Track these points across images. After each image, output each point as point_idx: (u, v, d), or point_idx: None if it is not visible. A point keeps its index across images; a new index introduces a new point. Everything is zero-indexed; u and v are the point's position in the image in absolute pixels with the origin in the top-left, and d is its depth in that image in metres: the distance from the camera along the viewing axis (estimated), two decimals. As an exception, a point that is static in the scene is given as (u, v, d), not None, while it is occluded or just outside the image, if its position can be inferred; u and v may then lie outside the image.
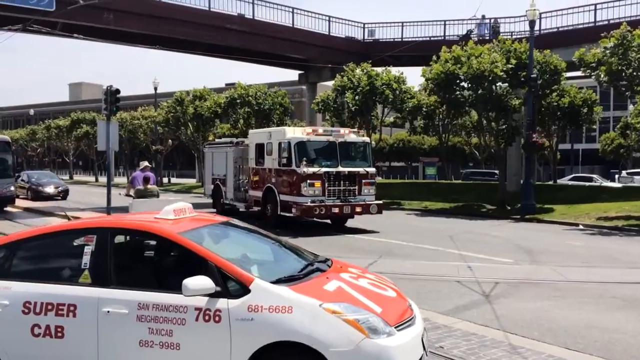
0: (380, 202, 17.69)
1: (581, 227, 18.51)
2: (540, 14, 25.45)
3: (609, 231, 17.47)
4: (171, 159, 59.30)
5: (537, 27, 25.10)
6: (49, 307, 4.53)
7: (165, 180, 48.08)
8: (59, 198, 29.48)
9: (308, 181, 16.05)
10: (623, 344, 6.45)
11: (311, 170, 16.12)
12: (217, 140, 27.83)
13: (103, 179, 48.99)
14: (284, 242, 5.75)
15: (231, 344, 4.19)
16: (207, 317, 4.26)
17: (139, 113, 49.24)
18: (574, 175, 39.63)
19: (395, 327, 4.29)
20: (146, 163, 15.31)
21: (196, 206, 21.27)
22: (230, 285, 4.33)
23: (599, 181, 36.08)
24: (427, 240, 14.92)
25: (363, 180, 16.94)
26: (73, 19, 24.16)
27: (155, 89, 42.93)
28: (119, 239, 5.01)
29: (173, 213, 5.12)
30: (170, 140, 46.63)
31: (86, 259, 4.71)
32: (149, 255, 5.19)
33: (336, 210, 16.30)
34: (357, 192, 16.76)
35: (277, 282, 4.44)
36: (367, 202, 16.81)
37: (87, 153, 60.29)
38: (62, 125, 58.13)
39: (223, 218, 5.98)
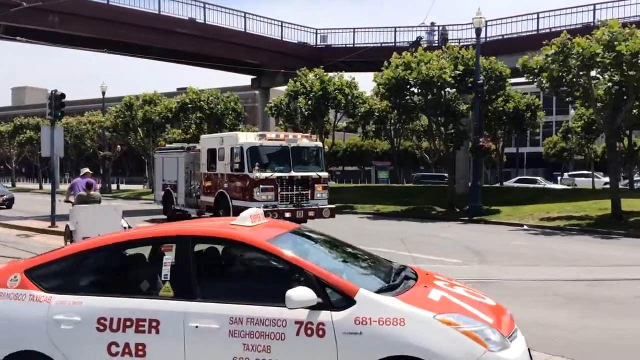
0: (334, 206, 17.83)
1: (526, 227, 19.20)
2: (487, 22, 26.29)
3: (552, 231, 18.18)
4: (120, 165, 57.92)
5: (483, 35, 25.94)
6: (128, 323, 4.13)
7: (114, 187, 46.88)
8: (4, 207, 28.24)
9: (261, 186, 16.02)
10: (564, 340, 6.73)
11: (264, 175, 16.10)
12: (168, 145, 27.39)
13: (48, 187, 47.34)
14: (358, 248, 5.42)
15: None
16: (309, 332, 3.93)
17: (86, 118, 47.92)
18: (519, 177, 41.02)
19: (508, 338, 4.08)
20: (87, 169, 14.96)
21: (147, 213, 21.06)
22: (332, 296, 4.02)
23: (543, 183, 37.49)
24: (380, 243, 15.12)
25: (316, 185, 17.04)
26: (16, 21, 23.29)
27: (104, 93, 41.85)
28: (199, 247, 4.64)
29: (250, 219, 4.75)
30: (119, 146, 45.54)
31: (166, 270, 4.30)
32: (235, 265, 4.89)
33: (289, 215, 16.30)
34: (310, 197, 16.84)
35: (379, 292, 4.16)
36: (320, 207, 16.92)
37: (30, 160, 58.14)
38: (4, 131, 55.85)
39: (293, 225, 5.52)
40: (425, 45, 27.93)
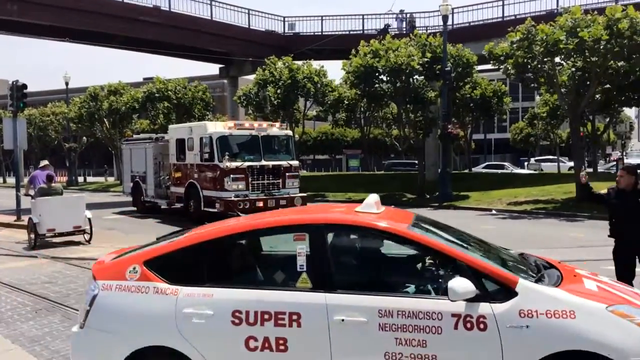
0: (305, 194, 17.84)
1: (494, 212, 19.57)
2: (453, 9, 26.54)
3: (519, 215, 18.58)
4: (87, 157, 56.69)
5: (450, 22, 26.17)
6: (266, 316, 3.93)
7: (80, 179, 45.89)
8: None
9: (231, 176, 15.91)
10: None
11: (234, 164, 15.99)
12: (135, 136, 26.90)
13: (11, 180, 46.01)
14: (478, 237, 5.11)
15: (503, 355, 3.68)
16: (468, 325, 3.72)
17: (49, 109, 46.69)
18: (487, 163, 41.71)
19: None
20: (46, 162, 14.95)
21: (116, 205, 20.81)
22: (489, 287, 3.81)
23: (510, 168, 38.20)
24: (351, 230, 15.20)
25: (287, 174, 17.01)
26: (-29, 9, 22.53)
27: (67, 83, 40.77)
28: (331, 236, 4.37)
29: (375, 206, 4.51)
30: (84, 138, 44.52)
31: (301, 260, 4.07)
32: (372, 254, 4.66)
33: (260, 204, 16.26)
34: (281, 186, 16.81)
35: (537, 282, 3.98)
36: (292, 195, 16.90)
37: (-8, 153, 56.42)
38: (-37, 123, 54.05)
39: (411, 213, 5.14)
40: (393, 33, 28.02)
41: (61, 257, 11.70)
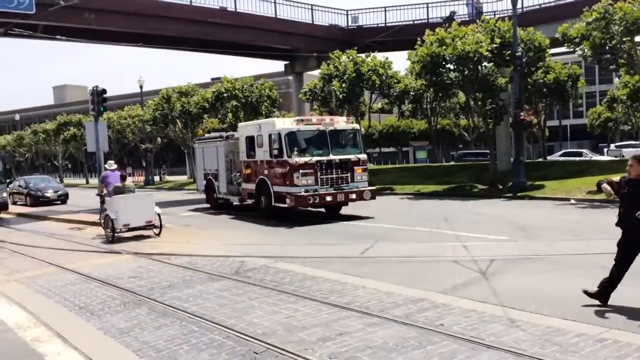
0: (374, 187, 17.78)
1: (572, 201, 18.72)
2: (522, -9, 25.50)
3: (600, 204, 17.68)
4: (161, 156, 59.12)
5: (519, 5, 25.16)
6: None
7: (156, 178, 47.90)
8: (59, 202, 29.01)
9: (300, 171, 16.09)
10: (619, 311, 6.59)
11: (303, 160, 16.16)
12: (206, 135, 27.75)
13: (93, 181, 48.67)
14: None
15: None
16: None
17: (126, 112, 48.98)
18: (564, 151, 39.86)
19: None
20: (113, 163, 16.41)
21: (190, 202, 21.71)
22: None
23: (589, 155, 36.31)
24: (422, 222, 15.05)
25: (355, 167, 17.00)
26: (54, 20, 23.88)
27: (141, 87, 42.68)
28: None
29: None
30: (159, 138, 46.43)
31: None
32: None
33: (330, 198, 16.36)
34: (349, 179, 16.83)
35: None
36: (361, 189, 16.89)
37: (75, 155, 59.97)
38: (49, 129, 57.74)
39: None
40: (460, 20, 27.33)
41: (144, 253, 12.29)
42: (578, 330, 6.00)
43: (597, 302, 6.86)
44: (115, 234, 14.26)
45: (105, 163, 16.85)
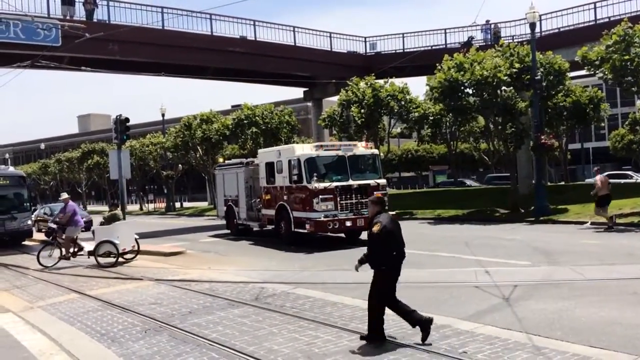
0: (394, 212, 17.65)
1: (589, 224, 18.42)
2: (540, 16, 25.51)
3: (625, 228, 17.33)
4: (182, 183, 59.70)
5: (537, 29, 25.18)
6: None
7: (177, 204, 48.31)
8: (83, 229, 29.37)
9: (320, 196, 16.11)
10: (648, 339, 6.41)
11: (322, 185, 16.20)
12: (227, 162, 28.03)
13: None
14: None
15: None
16: None
17: (148, 140, 49.74)
18: (608, 173, 38.08)
19: None
20: (65, 194, 17.05)
21: (210, 228, 21.84)
22: None
23: (635, 177, 34.86)
24: (442, 247, 14.89)
25: (374, 192, 16.95)
26: (79, 52, 24.56)
27: (163, 115, 43.39)
28: None
29: None
30: (180, 165, 46.98)
31: None
32: None
33: (349, 223, 16.32)
34: (369, 205, 16.76)
35: None
36: (380, 214, 16.79)
37: (99, 183, 60.87)
38: (73, 157, 58.85)
39: None
40: (478, 45, 27.40)
41: (165, 280, 12.35)
42: (606, 358, 5.84)
43: (624, 327, 6.67)
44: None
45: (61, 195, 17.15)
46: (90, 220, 31.00)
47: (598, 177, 18.01)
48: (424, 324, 6.60)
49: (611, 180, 17.62)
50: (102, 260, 15.17)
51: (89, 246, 15.78)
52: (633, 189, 24.29)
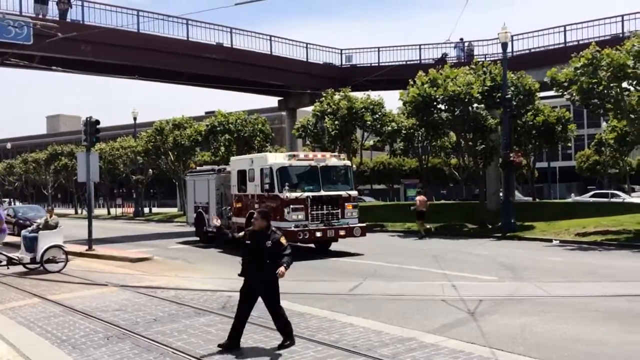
0: (364, 224, 17.78)
1: (555, 242, 18.92)
2: (512, 36, 26.14)
3: (588, 246, 17.76)
4: (152, 188, 58.87)
5: (509, 49, 25.79)
6: None
7: (146, 210, 47.60)
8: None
9: (291, 206, 16.10)
10: (607, 356, 6.56)
11: (294, 195, 16.19)
12: (198, 168, 27.79)
13: (82, 211, 48.23)
14: None
15: None
16: None
17: (118, 143, 49.01)
18: (594, 192, 38.79)
19: None
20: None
21: (179, 235, 21.48)
22: None
23: (622, 197, 35.45)
24: (412, 260, 15.01)
25: (346, 204, 17.04)
26: (50, 51, 24.11)
27: (135, 119, 42.85)
28: None
29: None
30: (150, 170, 46.37)
31: None
32: None
33: (320, 234, 16.33)
34: (340, 216, 16.83)
35: None
36: (351, 225, 16.89)
37: (66, 185, 59.61)
38: (40, 158, 57.54)
39: None
40: (451, 62, 27.88)
41: (130, 286, 12.12)
42: (566, 373, 5.95)
43: (584, 344, 6.82)
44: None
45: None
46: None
47: (418, 198, 22.91)
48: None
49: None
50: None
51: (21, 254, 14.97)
52: (580, 208, 24.91)
